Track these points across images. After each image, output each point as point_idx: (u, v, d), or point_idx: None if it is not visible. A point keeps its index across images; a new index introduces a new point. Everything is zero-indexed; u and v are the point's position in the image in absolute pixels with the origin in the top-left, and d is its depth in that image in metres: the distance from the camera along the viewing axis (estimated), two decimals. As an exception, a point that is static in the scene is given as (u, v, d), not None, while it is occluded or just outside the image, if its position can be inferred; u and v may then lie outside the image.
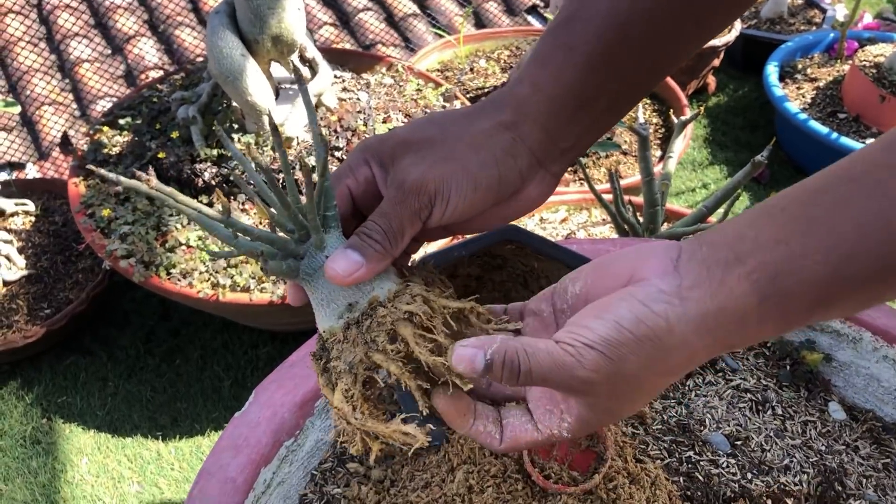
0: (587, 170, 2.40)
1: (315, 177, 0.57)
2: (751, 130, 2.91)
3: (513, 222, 0.76)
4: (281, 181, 0.57)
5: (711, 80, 3.08)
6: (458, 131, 0.61)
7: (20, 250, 2.10)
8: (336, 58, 2.25)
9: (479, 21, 3.33)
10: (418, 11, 3.28)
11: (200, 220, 0.60)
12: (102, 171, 0.62)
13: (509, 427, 0.58)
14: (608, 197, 1.69)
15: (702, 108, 1.53)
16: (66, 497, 1.75)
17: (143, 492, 1.77)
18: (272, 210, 0.61)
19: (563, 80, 0.60)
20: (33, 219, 2.21)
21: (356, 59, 2.29)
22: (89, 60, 2.91)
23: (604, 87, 0.61)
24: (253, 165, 0.64)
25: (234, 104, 1.77)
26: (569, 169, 2.41)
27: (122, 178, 0.61)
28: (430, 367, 0.57)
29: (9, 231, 2.14)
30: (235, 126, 1.78)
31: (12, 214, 2.18)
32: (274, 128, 0.59)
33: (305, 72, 1.81)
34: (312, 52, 1.79)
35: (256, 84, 1.66)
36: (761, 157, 1.48)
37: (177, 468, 1.81)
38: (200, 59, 2.66)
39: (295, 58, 1.75)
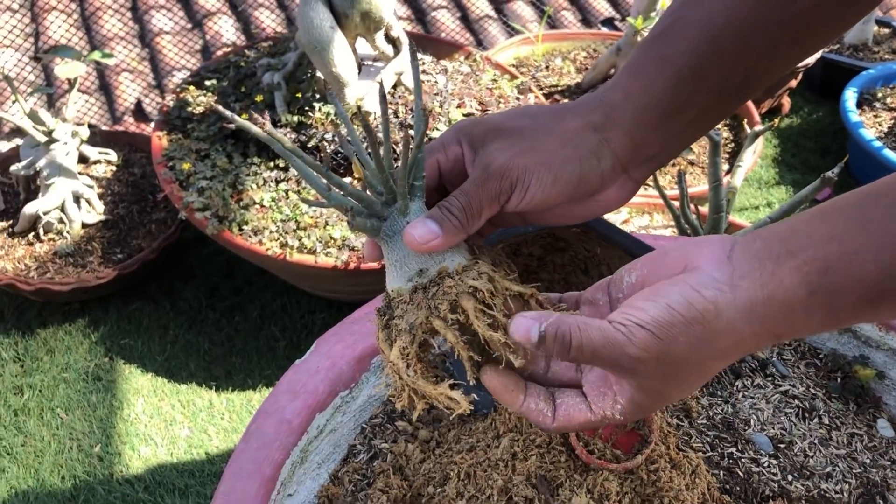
0: (655, 185, 2.40)
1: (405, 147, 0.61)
2: (821, 155, 2.87)
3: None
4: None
5: (786, 102, 3.04)
6: (549, 126, 0.64)
7: (100, 196, 2.20)
8: (417, 42, 2.30)
9: (554, 28, 3.36)
10: (493, 14, 3.31)
11: (303, 169, 0.63)
12: (219, 107, 0.68)
13: (563, 406, 0.60)
14: (674, 204, 1.70)
15: (776, 122, 1.53)
16: (121, 432, 1.84)
17: (192, 436, 1.84)
18: (366, 171, 0.65)
19: (654, 91, 0.62)
20: (114, 168, 2.31)
21: (436, 46, 2.34)
22: (169, 33, 3.01)
23: (693, 100, 0.63)
24: (355, 127, 0.68)
25: (318, 75, 1.83)
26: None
27: (237, 118, 0.66)
28: (486, 340, 0.60)
29: (91, 177, 2.23)
30: (317, 96, 1.84)
31: (95, 162, 2.28)
32: (382, 96, 0.63)
33: (389, 50, 1.86)
34: (398, 32, 1.84)
35: (342, 56, 1.71)
36: (832, 174, 1.48)
37: (227, 418, 1.88)
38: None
39: (380, 35, 1.80)
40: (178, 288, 2.22)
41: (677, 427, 1.09)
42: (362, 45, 1.94)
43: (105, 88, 2.83)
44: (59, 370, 1.96)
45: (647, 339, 0.52)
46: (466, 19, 3.30)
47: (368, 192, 0.65)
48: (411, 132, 0.69)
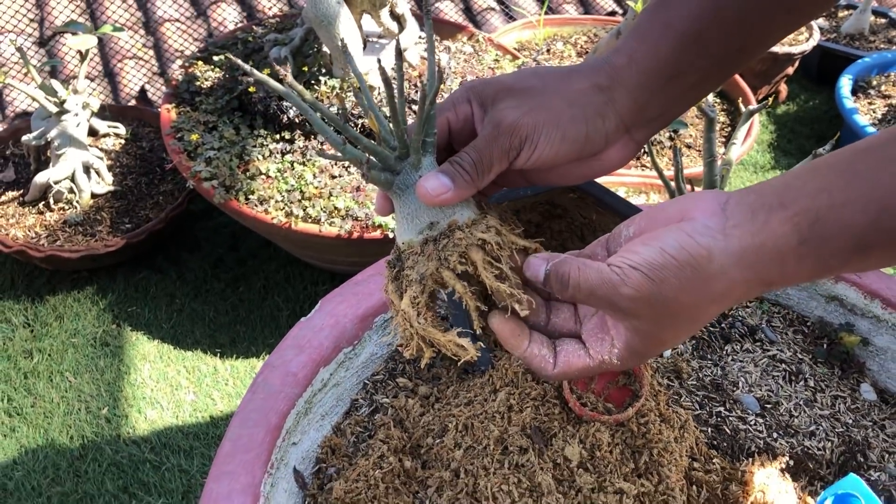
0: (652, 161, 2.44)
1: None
2: (816, 141, 2.90)
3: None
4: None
5: (783, 89, 3.06)
6: (557, 86, 0.66)
7: (109, 168, 2.24)
8: (421, 22, 2.33)
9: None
10: (495, 6, 3.33)
11: (318, 122, 0.66)
12: (237, 60, 0.71)
13: (563, 353, 0.63)
14: (671, 185, 1.73)
15: (769, 101, 1.56)
16: (128, 396, 1.88)
17: (197, 401, 1.88)
18: (381, 126, 0.67)
19: (658, 55, 0.65)
20: (123, 142, 2.35)
21: (439, 27, 2.37)
22: (173, 20, 3.02)
23: (694, 64, 0.66)
24: (367, 84, 0.71)
25: (324, 49, 1.87)
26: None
27: (255, 71, 0.68)
28: (493, 290, 0.64)
29: (100, 150, 2.27)
30: (323, 70, 1.88)
31: (105, 135, 2.32)
32: (398, 52, 0.66)
33: (394, 26, 1.89)
34: (403, 9, 1.87)
35: (348, 31, 1.75)
36: (822, 150, 1.52)
37: (231, 384, 1.92)
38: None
39: (385, 12, 1.83)
40: (184, 258, 2.26)
41: (668, 387, 1.12)
42: (367, 23, 1.97)
43: (110, 75, 2.86)
44: (68, 335, 2.01)
45: (640, 279, 0.54)
46: (469, 10, 3.32)
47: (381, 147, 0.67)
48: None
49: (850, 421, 1.12)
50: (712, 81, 0.69)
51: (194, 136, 1.87)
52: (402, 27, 1.88)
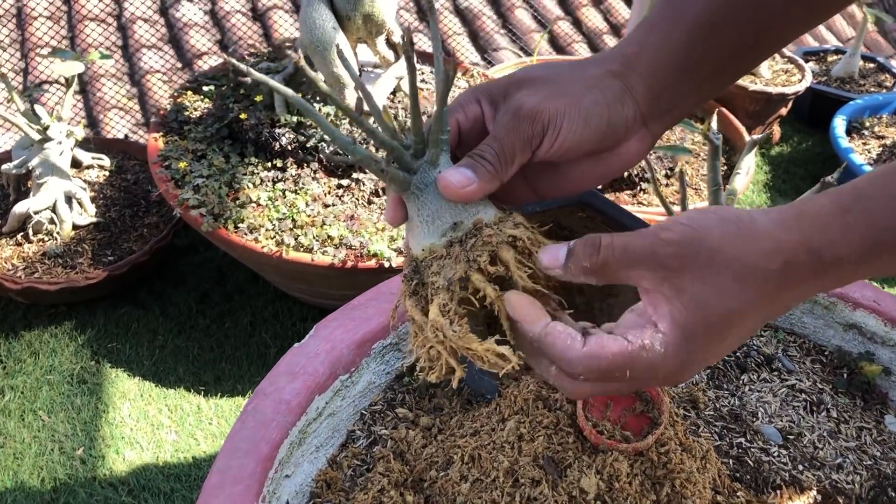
0: (654, 188, 2.42)
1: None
2: (811, 181, 2.91)
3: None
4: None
5: (777, 130, 3.08)
6: (571, 73, 0.63)
7: (92, 199, 2.17)
8: (417, 57, 2.32)
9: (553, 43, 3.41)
10: (507, 45, 3.36)
11: (325, 123, 0.62)
12: (233, 60, 0.66)
13: (594, 336, 0.53)
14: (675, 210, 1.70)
15: (772, 130, 1.54)
16: (105, 436, 1.78)
17: (179, 441, 1.79)
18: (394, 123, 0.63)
19: (669, 45, 0.62)
20: (107, 173, 2.28)
21: (432, 60, 2.35)
22: (159, 72, 3.01)
23: (707, 56, 0.63)
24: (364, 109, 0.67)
25: (319, 75, 1.83)
26: (629, 191, 2.44)
27: (253, 72, 0.63)
28: (527, 291, 0.58)
29: (84, 181, 2.21)
30: (317, 97, 1.84)
31: (89, 167, 2.26)
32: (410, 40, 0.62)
33: (390, 55, 1.87)
34: (398, 38, 1.85)
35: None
36: (831, 178, 1.49)
37: (215, 423, 1.84)
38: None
39: (382, 40, 1.81)
40: (168, 293, 2.19)
41: (684, 417, 1.07)
42: (364, 53, 1.95)
43: (94, 125, 2.82)
44: (43, 372, 1.91)
45: (679, 227, 0.51)
46: (483, 49, 3.35)
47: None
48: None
49: (878, 454, 1.07)
50: (728, 74, 0.66)
51: (182, 164, 1.81)
52: (398, 56, 1.86)
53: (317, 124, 0.61)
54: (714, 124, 1.68)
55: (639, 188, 2.42)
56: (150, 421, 1.82)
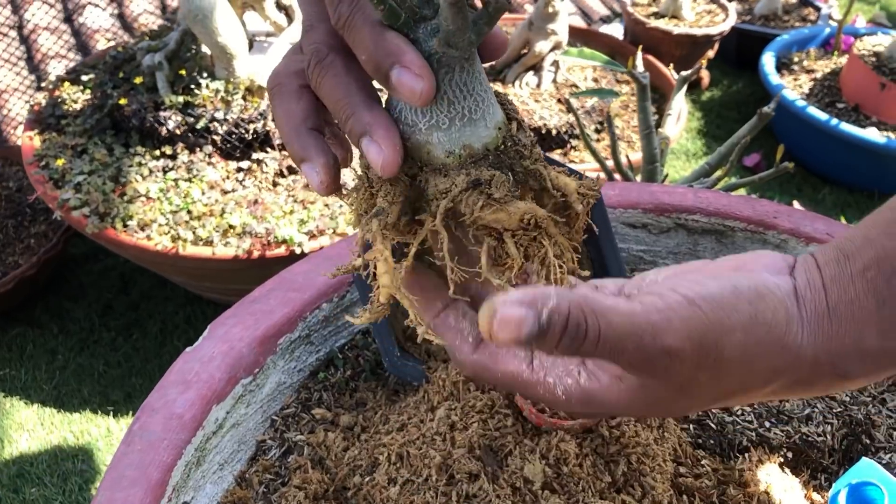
0: (584, 141, 2.31)
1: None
2: (746, 123, 2.85)
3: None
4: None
5: (705, 75, 3.03)
6: None
7: (-31, 213, 1.96)
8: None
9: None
10: None
11: None
12: None
13: (491, 346, 0.44)
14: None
15: (703, 62, 1.43)
16: (1, 476, 1.59)
17: (87, 471, 1.61)
18: None
19: None
20: (-14, 184, 2.08)
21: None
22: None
23: None
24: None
25: (204, 49, 1.66)
26: (559, 150, 2.32)
27: None
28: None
29: (-42, 194, 2.00)
30: (205, 73, 1.66)
31: (-36, 178, 2.05)
32: None
33: (282, 19, 1.70)
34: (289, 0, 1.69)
35: (228, 25, 1.54)
36: (768, 109, 1.39)
37: (128, 445, 1.66)
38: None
39: (271, 4, 1.64)
40: (66, 308, 1.99)
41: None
42: (253, 22, 1.78)
43: (2, 142, 2.58)
44: (-73, 410, 1.71)
45: (692, 320, 0.37)
46: None
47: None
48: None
49: (847, 398, 0.97)
50: None
51: (60, 162, 1.62)
52: (291, 19, 1.69)
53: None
54: (639, 63, 1.56)
55: (569, 146, 2.30)
56: (53, 452, 1.64)
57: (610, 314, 0.36)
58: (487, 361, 0.43)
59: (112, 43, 2.15)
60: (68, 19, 2.91)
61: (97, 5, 2.93)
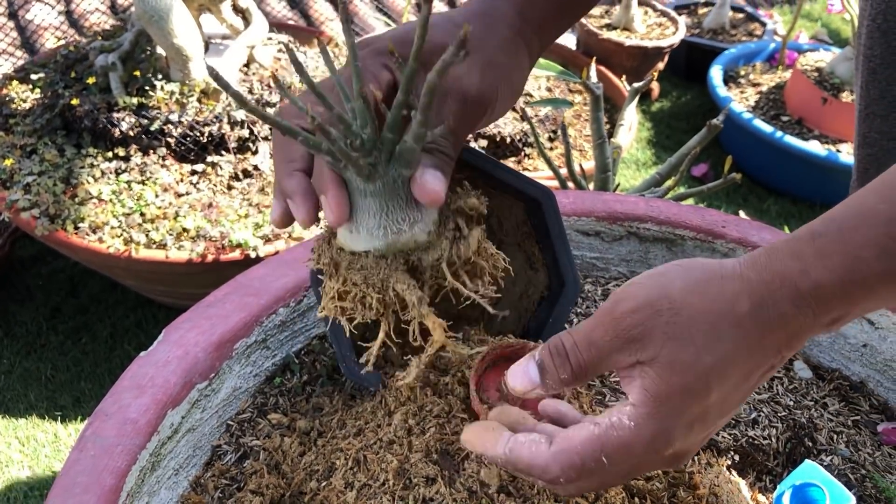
0: (539, 150, 2.34)
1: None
2: (694, 133, 2.91)
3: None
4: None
5: (655, 86, 3.08)
6: (488, 36, 0.59)
7: (-90, 214, 1.90)
8: (274, 26, 2.14)
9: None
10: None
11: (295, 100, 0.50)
12: None
13: (559, 432, 0.50)
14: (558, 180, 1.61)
15: (655, 74, 1.47)
16: (-56, 483, 1.55)
17: (34, 477, 1.58)
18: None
19: None
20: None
21: (293, 33, 2.19)
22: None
23: None
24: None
25: (159, 51, 1.64)
26: (514, 157, 2.34)
27: None
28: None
29: None
30: (159, 75, 1.64)
31: None
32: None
33: (238, 22, 1.69)
34: (246, 2, 1.67)
35: (184, 27, 1.53)
36: (717, 121, 1.44)
37: (76, 451, 1.63)
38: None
39: (227, 6, 1.63)
40: (12, 311, 1.94)
41: (589, 387, 0.97)
42: (209, 25, 1.76)
43: None
44: None
45: (634, 289, 0.47)
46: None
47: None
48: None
49: (791, 402, 1.01)
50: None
51: (8, 162, 1.58)
52: (247, 22, 1.68)
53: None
54: (593, 73, 1.59)
55: (523, 153, 2.33)
56: (-1, 458, 1.60)
57: (578, 328, 0.49)
58: (563, 445, 0.48)
59: (61, 42, 2.11)
60: (13, 15, 2.84)
61: (45, 2, 2.87)
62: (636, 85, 1.61)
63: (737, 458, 0.93)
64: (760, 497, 0.88)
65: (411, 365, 0.63)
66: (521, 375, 0.52)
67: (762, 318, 0.44)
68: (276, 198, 0.57)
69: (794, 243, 0.45)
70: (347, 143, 0.49)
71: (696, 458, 0.91)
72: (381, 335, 0.60)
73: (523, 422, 0.59)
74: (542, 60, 1.48)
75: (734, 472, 0.90)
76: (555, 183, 2.03)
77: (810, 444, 0.96)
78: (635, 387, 0.46)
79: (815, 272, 0.43)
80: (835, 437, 0.98)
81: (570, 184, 1.58)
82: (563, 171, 1.72)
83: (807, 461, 0.81)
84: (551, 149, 2.41)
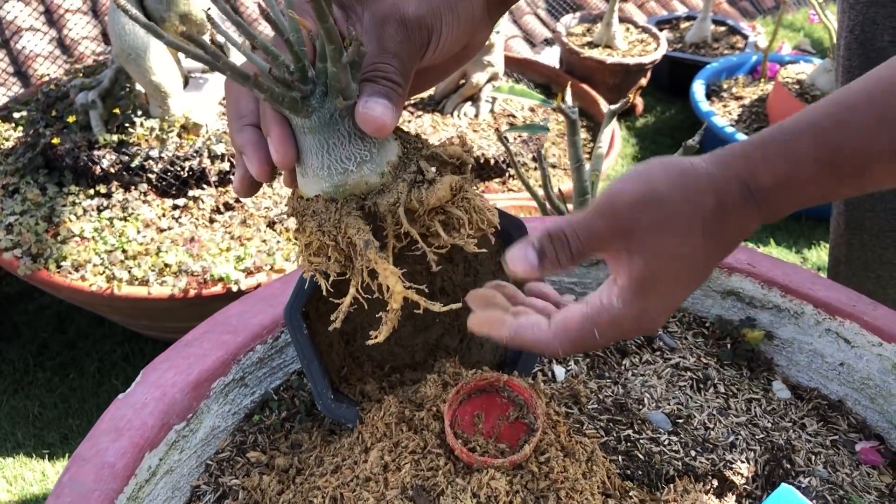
0: (517, 173, 2.34)
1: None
2: (679, 148, 2.92)
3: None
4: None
5: (639, 101, 3.09)
6: None
7: None
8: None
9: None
10: None
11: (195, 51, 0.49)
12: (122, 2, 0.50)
13: (557, 314, 0.57)
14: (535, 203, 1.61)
15: (632, 96, 1.48)
16: (-69, 526, 1.55)
17: (23, 517, 1.57)
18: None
19: None
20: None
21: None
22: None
23: None
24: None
25: (138, 88, 1.65)
26: (498, 179, 2.35)
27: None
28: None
29: None
30: (139, 112, 1.65)
31: None
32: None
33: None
34: (221, 38, 1.68)
35: (162, 64, 1.54)
36: (693, 141, 1.44)
37: (64, 489, 1.62)
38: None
39: (206, 41, 1.64)
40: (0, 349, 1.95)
41: (566, 415, 0.98)
42: (189, 59, 1.77)
43: None
44: None
45: (630, 184, 0.51)
46: None
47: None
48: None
49: (770, 425, 1.01)
50: None
51: (-10, 202, 1.59)
52: (226, 56, 1.69)
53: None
54: (568, 97, 1.60)
55: (507, 175, 2.34)
56: (-14, 499, 1.60)
57: (575, 214, 0.53)
58: (561, 324, 0.56)
59: (52, 70, 2.11)
60: (5, 44, 2.86)
61: (36, 30, 2.89)
62: (612, 108, 1.62)
63: (715, 483, 0.93)
64: (739, 522, 0.88)
65: (383, 323, 0.59)
66: (522, 260, 0.55)
67: (722, 210, 0.52)
68: (237, 164, 0.57)
69: (748, 147, 0.52)
70: (273, 76, 0.48)
71: (672, 484, 0.92)
72: (352, 290, 0.56)
73: (516, 294, 0.65)
74: (517, 87, 1.49)
75: (713, 497, 0.90)
76: (533, 204, 2.04)
77: (788, 466, 0.96)
78: (623, 271, 0.53)
79: (763, 175, 0.51)
80: (813, 457, 0.98)
81: (549, 206, 1.59)
82: (541, 192, 1.72)
83: (783, 485, 0.82)
84: (535, 169, 2.42)
